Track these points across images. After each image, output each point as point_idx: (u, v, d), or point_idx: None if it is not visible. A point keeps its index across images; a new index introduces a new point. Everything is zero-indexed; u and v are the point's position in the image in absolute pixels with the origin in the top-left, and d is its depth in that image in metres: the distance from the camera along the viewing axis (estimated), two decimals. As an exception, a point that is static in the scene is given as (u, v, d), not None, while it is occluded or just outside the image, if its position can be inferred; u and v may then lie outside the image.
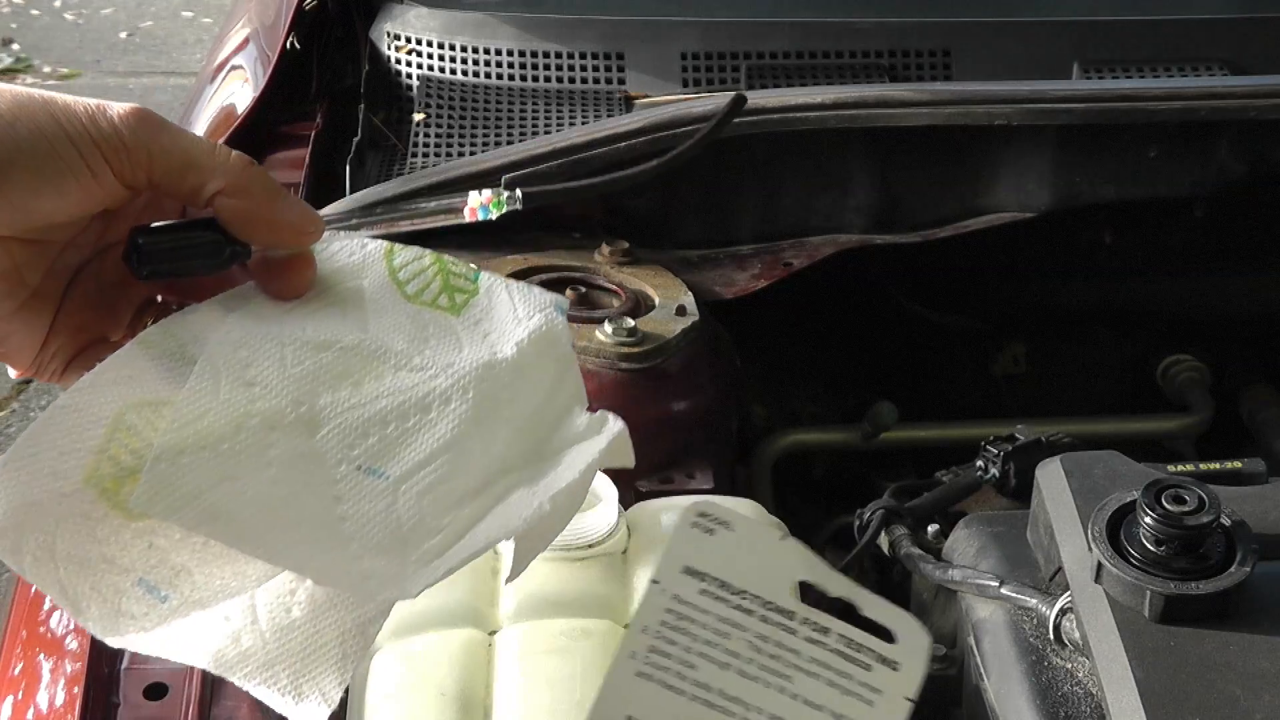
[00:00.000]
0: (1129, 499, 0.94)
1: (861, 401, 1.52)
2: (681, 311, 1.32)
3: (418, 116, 1.64)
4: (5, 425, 3.00)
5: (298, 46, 1.70)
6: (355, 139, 1.55)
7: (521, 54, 1.70)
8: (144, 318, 0.72)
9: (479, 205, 0.77)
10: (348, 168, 1.51)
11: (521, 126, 1.62)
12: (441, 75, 1.71)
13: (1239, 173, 1.51)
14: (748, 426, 1.48)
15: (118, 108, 0.67)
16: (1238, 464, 1.20)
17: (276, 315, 0.71)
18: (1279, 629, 0.88)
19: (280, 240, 0.70)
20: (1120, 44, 1.73)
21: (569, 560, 1.02)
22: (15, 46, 4.95)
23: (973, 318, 1.67)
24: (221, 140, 1.57)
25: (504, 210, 0.77)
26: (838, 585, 0.66)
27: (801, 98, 1.43)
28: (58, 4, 5.32)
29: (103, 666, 1.05)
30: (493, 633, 0.99)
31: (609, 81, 1.69)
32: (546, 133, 1.60)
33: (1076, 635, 0.94)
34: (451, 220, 0.70)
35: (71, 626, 1.12)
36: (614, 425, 0.73)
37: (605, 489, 1.06)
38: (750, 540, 0.67)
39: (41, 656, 1.13)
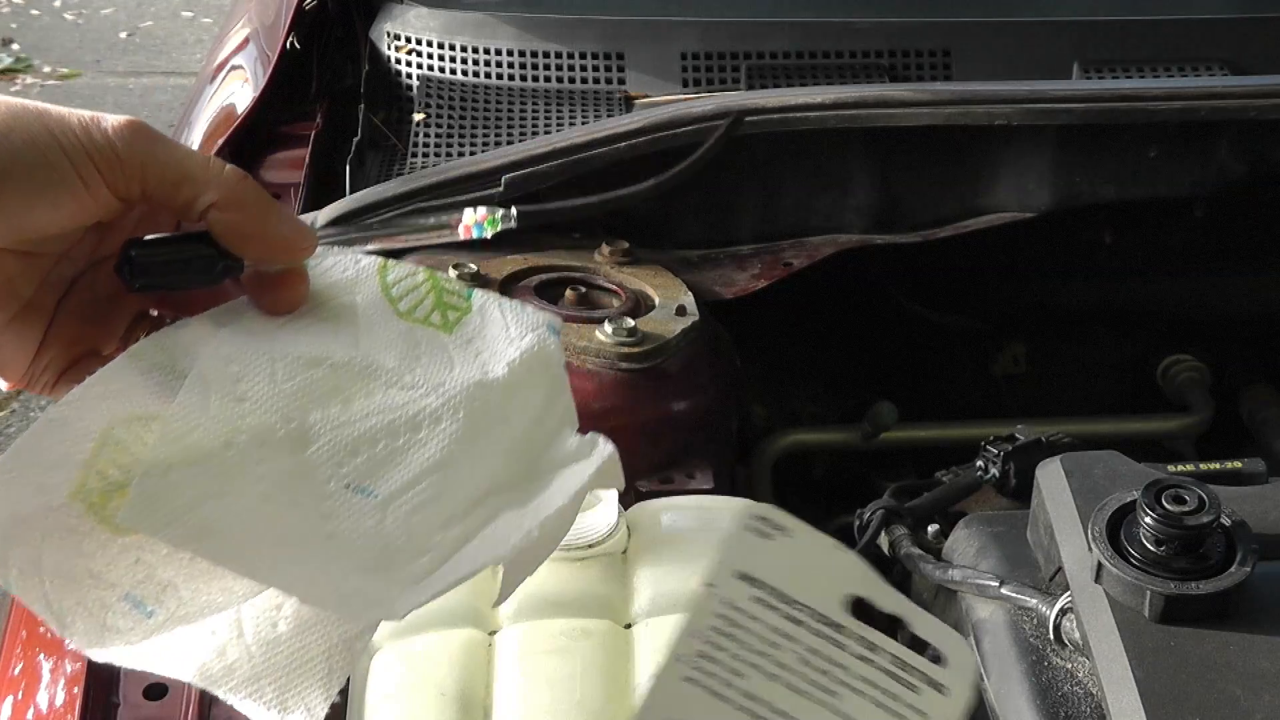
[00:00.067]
0: (1129, 499, 0.94)
1: (861, 401, 1.52)
2: (681, 311, 1.32)
3: (418, 116, 1.64)
4: (5, 425, 3.00)
5: (298, 46, 1.70)
6: (355, 139, 1.55)
7: (521, 54, 1.70)
8: (137, 331, 0.72)
9: (473, 223, 0.77)
10: (348, 168, 1.51)
11: (521, 126, 1.63)
12: (441, 75, 1.71)
13: (1239, 173, 1.51)
14: (748, 426, 1.48)
15: (112, 119, 0.67)
16: (1238, 464, 1.20)
17: (268, 330, 0.70)
18: (1279, 629, 0.88)
19: (273, 255, 0.70)
20: (1120, 44, 1.73)
21: (569, 560, 1.02)
22: (15, 46, 4.95)
23: (973, 318, 1.67)
24: (222, 140, 1.57)
25: (498, 229, 0.76)
26: (890, 601, 0.65)
27: (801, 98, 1.43)
28: (58, 4, 5.32)
29: (103, 666, 1.05)
30: (493, 633, 0.99)
31: (609, 81, 1.69)
32: (546, 133, 1.60)
33: (1076, 635, 0.94)
34: (446, 238, 0.71)
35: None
36: (604, 448, 0.72)
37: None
38: (806, 549, 0.65)
39: (41, 656, 1.13)
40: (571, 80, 1.69)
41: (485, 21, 1.73)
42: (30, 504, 0.64)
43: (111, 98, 4.53)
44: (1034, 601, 0.98)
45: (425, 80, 1.69)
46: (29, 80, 4.68)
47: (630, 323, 1.27)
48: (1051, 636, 0.97)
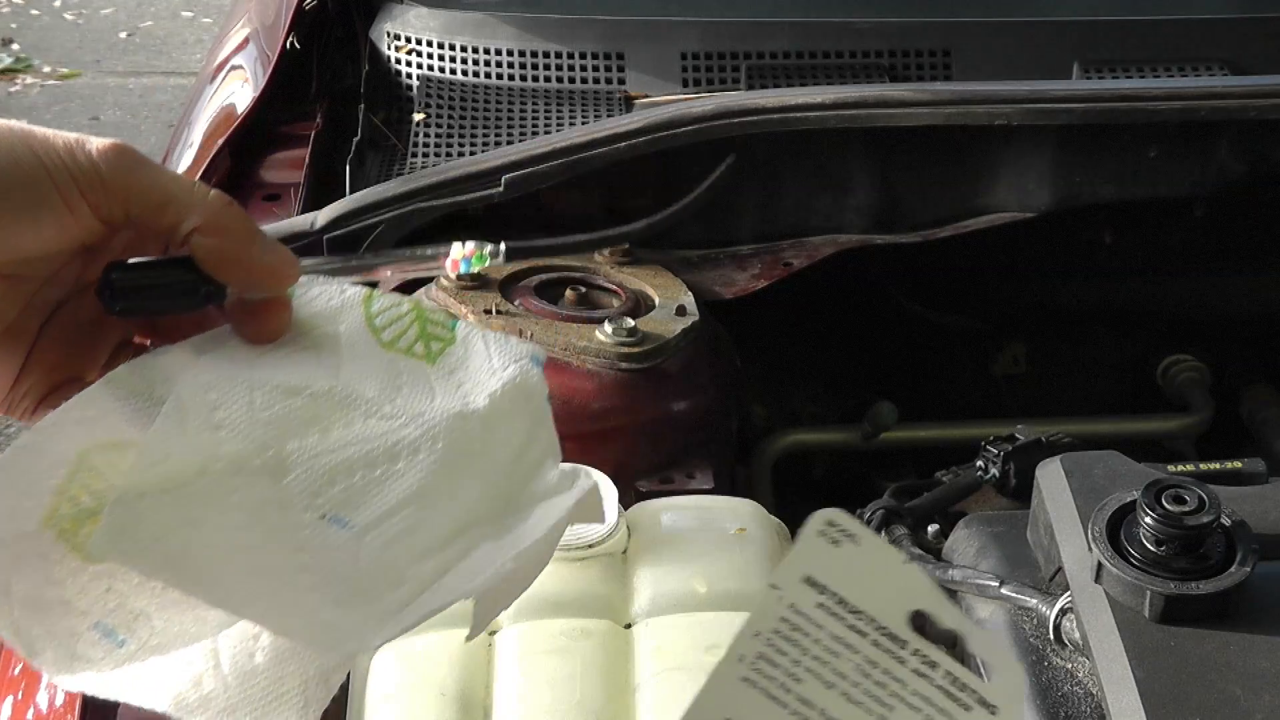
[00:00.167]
0: (1129, 499, 0.94)
1: (861, 401, 1.52)
2: (681, 311, 1.32)
3: (418, 116, 1.64)
4: (5, 425, 2.99)
5: (298, 46, 1.70)
6: (355, 139, 1.56)
7: (521, 54, 1.70)
8: (119, 359, 0.71)
9: (461, 258, 0.76)
10: (348, 168, 1.51)
11: (521, 126, 1.63)
12: (441, 75, 1.71)
13: (1239, 173, 1.51)
14: (748, 426, 1.48)
15: (96, 142, 0.66)
16: (1238, 464, 1.20)
17: (249, 359, 0.69)
18: (1279, 629, 0.88)
19: (255, 282, 0.69)
20: (1120, 44, 1.73)
21: (569, 560, 1.02)
22: (15, 46, 4.95)
23: (973, 318, 1.67)
24: (222, 140, 1.57)
25: (485, 264, 0.76)
26: (950, 616, 0.65)
27: (801, 98, 1.43)
28: (58, 4, 5.32)
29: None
30: (493, 633, 0.99)
31: (609, 81, 1.69)
32: (546, 133, 1.60)
33: (1076, 635, 0.94)
34: (434, 270, 0.71)
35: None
36: (585, 481, 0.71)
37: (605, 489, 1.06)
38: (873, 558, 0.64)
39: (41, 656, 1.12)
40: (571, 80, 1.69)
41: (485, 21, 1.73)
42: (1, 530, 0.63)
43: (111, 98, 4.53)
44: (1034, 601, 0.98)
45: (425, 80, 1.69)
46: (29, 80, 4.68)
47: (630, 323, 1.27)
48: (1051, 636, 0.97)
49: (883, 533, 1.20)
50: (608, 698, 0.94)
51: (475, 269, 0.76)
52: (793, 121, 1.43)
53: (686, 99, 1.59)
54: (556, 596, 1.00)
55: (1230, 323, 1.64)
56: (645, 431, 1.26)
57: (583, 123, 1.60)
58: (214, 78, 1.91)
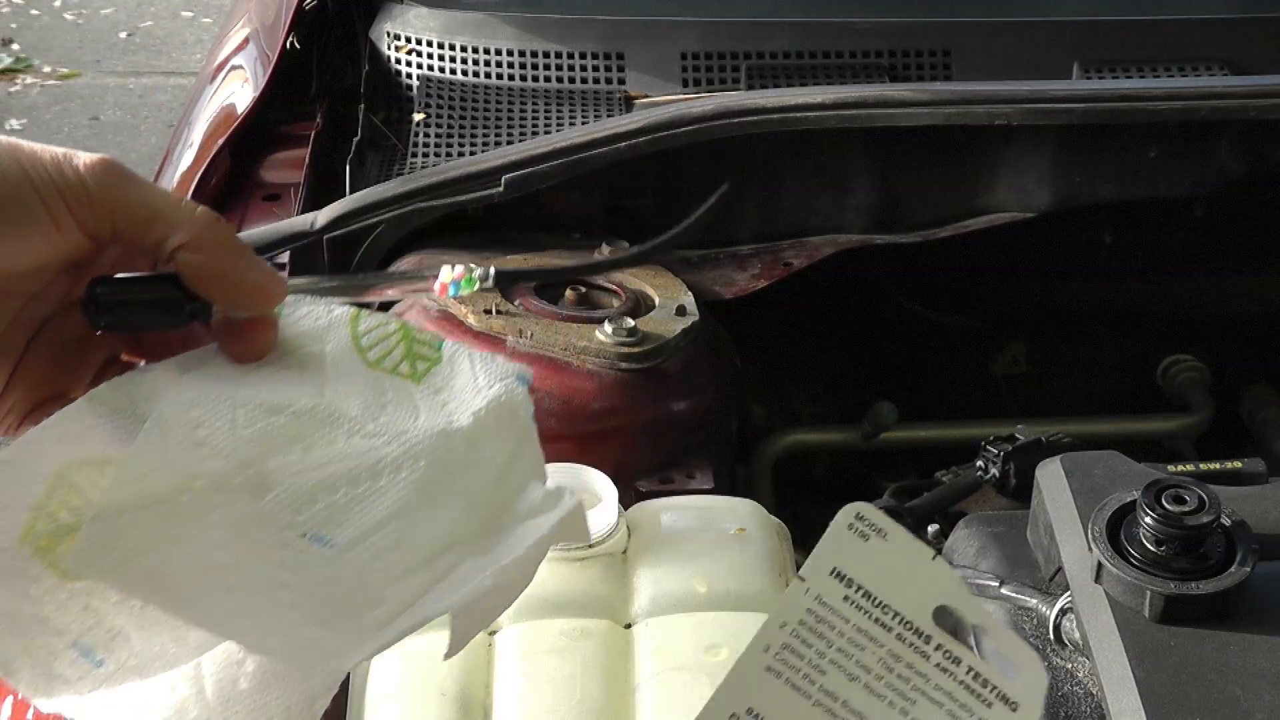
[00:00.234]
0: (1129, 499, 0.94)
1: (861, 401, 1.52)
2: (681, 311, 1.32)
3: (418, 116, 1.64)
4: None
5: (298, 46, 1.70)
6: (355, 139, 1.56)
7: (521, 54, 1.70)
8: (105, 377, 0.70)
9: (450, 281, 0.76)
10: (348, 168, 1.51)
11: (521, 126, 1.63)
12: (441, 75, 1.71)
13: (1239, 173, 1.51)
14: (748, 426, 1.48)
15: (84, 157, 0.65)
16: (1238, 464, 1.20)
17: (233, 377, 0.69)
18: (1279, 629, 0.88)
19: (240, 300, 0.69)
20: (1120, 44, 1.73)
21: (569, 560, 1.02)
22: (15, 46, 4.95)
23: (973, 318, 1.68)
24: (222, 140, 1.57)
25: (474, 288, 0.76)
26: (975, 613, 0.65)
27: (801, 98, 1.43)
28: (58, 4, 5.32)
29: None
30: (493, 633, 0.99)
31: (609, 81, 1.69)
32: (546, 133, 1.60)
33: (1076, 635, 0.94)
34: (423, 289, 0.71)
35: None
36: (569, 501, 0.70)
37: (605, 489, 1.06)
38: (901, 553, 0.65)
39: (41, 656, 1.12)
40: (571, 80, 1.69)
41: (485, 21, 1.73)
42: None
43: (111, 98, 4.53)
44: (1034, 601, 0.98)
45: (425, 80, 1.69)
46: (29, 80, 4.68)
47: (630, 323, 1.27)
48: (1051, 636, 0.97)
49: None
50: (608, 698, 0.94)
51: (464, 293, 0.76)
52: (793, 121, 1.43)
53: (686, 99, 1.59)
54: (556, 596, 1.00)
55: (1230, 323, 1.64)
56: (645, 431, 1.26)
57: (583, 123, 1.60)
58: (214, 78, 1.91)
